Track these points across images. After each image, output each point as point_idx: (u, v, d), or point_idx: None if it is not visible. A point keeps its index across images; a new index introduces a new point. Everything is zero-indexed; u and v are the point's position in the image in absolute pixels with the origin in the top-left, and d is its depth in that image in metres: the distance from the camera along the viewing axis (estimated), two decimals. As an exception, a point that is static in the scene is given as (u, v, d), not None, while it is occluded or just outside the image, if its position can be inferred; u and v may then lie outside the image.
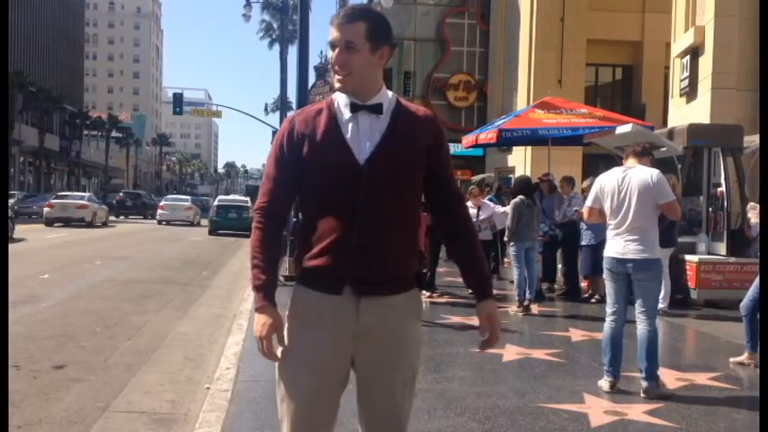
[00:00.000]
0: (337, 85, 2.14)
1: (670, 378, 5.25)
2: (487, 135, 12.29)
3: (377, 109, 2.14)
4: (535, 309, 8.62)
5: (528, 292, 8.52)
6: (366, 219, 2.07)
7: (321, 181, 2.10)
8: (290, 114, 2.26)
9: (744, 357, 5.87)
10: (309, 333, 2.13)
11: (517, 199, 8.65)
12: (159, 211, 33.72)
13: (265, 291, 2.13)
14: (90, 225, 27.98)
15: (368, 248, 2.07)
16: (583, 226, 9.20)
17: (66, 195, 31.35)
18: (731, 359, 5.96)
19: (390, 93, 2.20)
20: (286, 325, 2.17)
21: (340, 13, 2.13)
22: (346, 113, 2.14)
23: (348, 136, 2.11)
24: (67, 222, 27.71)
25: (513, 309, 8.44)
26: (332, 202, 2.09)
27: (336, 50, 2.10)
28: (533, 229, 8.78)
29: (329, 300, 2.11)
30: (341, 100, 2.17)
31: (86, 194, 32.88)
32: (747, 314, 5.74)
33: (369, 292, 2.10)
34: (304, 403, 2.13)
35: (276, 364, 2.18)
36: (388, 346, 2.15)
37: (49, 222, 27.53)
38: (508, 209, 9.13)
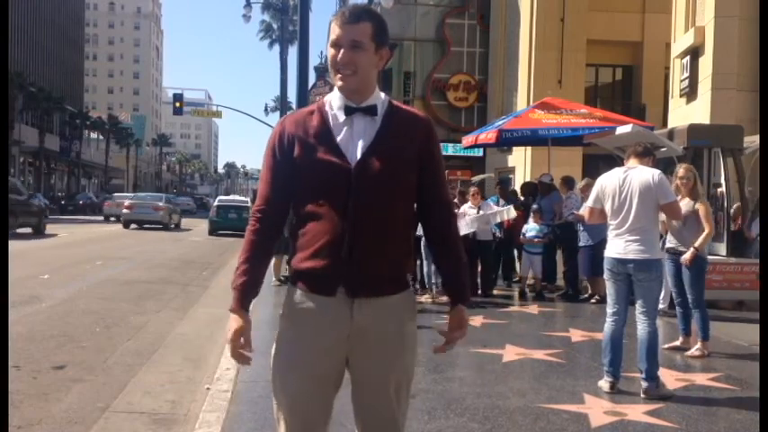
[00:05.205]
0: (339, 83, 2.13)
1: (670, 378, 5.25)
2: (487, 135, 12.30)
3: (371, 111, 2.14)
4: (535, 309, 8.63)
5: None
6: (357, 220, 2.07)
7: (312, 183, 2.11)
8: (283, 117, 2.26)
9: None
10: (303, 335, 2.14)
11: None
12: None
13: (241, 294, 2.15)
14: None
15: (359, 249, 2.07)
16: (580, 227, 9.20)
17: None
18: None
19: (383, 94, 2.20)
20: (279, 326, 2.19)
21: (344, 12, 2.12)
22: (340, 116, 2.14)
23: (340, 138, 2.12)
24: None
25: (425, 298, 8.95)
26: (323, 203, 2.09)
27: (341, 49, 2.10)
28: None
29: (323, 301, 2.12)
30: (334, 102, 2.17)
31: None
32: None
33: (361, 293, 2.11)
34: (298, 404, 2.15)
35: (271, 364, 2.19)
36: (382, 347, 2.14)
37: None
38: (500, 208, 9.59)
